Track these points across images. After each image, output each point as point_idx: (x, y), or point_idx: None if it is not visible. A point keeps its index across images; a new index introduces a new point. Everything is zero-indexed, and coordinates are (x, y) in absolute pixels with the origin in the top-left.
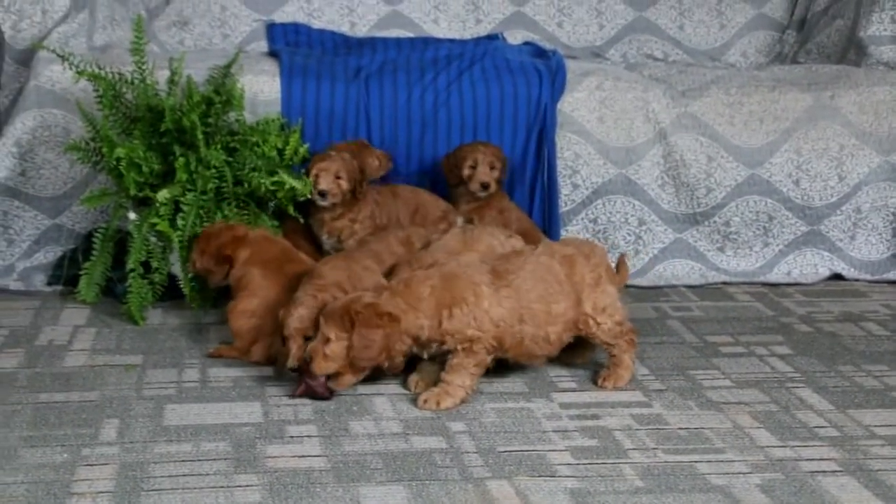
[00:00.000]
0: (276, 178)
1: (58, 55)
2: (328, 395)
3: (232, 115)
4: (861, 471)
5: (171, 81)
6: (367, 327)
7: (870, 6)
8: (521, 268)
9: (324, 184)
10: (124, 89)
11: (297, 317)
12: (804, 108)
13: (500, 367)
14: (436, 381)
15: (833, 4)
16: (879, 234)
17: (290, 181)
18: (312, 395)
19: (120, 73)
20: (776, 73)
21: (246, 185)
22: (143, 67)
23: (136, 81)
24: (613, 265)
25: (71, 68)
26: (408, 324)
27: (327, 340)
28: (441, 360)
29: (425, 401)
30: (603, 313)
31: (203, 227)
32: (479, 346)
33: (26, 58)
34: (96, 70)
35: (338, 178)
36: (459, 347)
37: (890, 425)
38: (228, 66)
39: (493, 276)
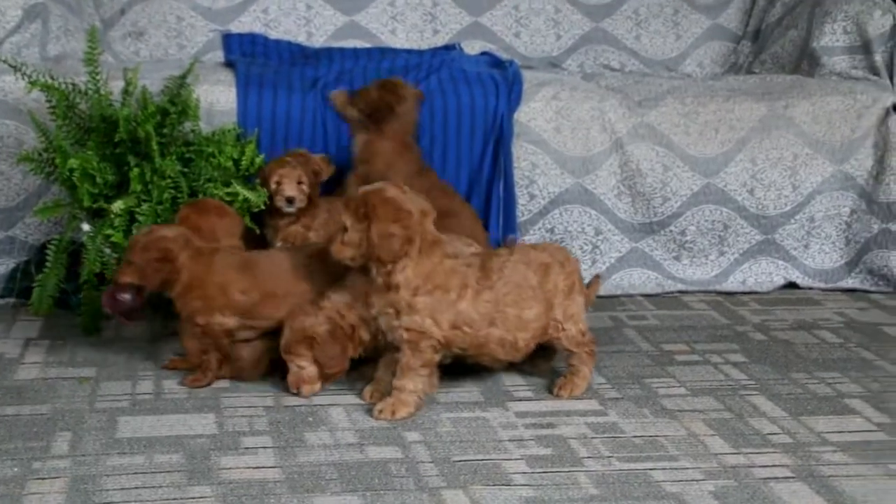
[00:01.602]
0: (230, 189)
1: (10, 65)
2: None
3: (187, 126)
4: (813, 477)
5: (126, 92)
6: (386, 221)
7: (822, 18)
8: (502, 269)
9: (290, 190)
10: (78, 100)
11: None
12: (758, 118)
13: (456, 375)
14: (390, 391)
15: (787, 16)
16: (833, 243)
17: (245, 192)
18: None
19: (73, 84)
20: (731, 83)
21: (200, 196)
22: (97, 78)
23: (90, 92)
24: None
25: (24, 79)
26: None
27: (345, 229)
28: (394, 367)
29: (380, 411)
30: (570, 320)
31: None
32: (426, 344)
33: None
34: (49, 80)
35: (300, 183)
36: (406, 338)
37: (842, 431)
38: (184, 76)
39: (482, 275)
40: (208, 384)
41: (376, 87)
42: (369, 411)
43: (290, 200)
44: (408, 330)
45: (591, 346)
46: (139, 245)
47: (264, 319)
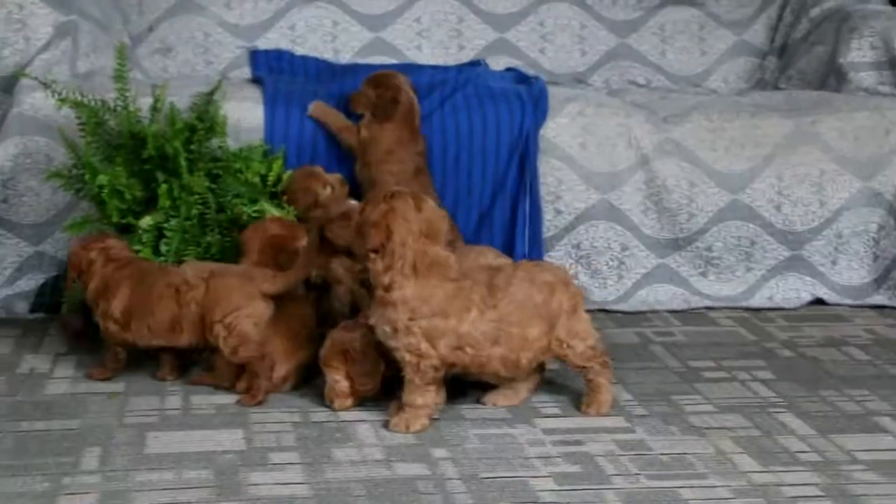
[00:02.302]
0: (257, 207)
1: (40, 83)
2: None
3: (215, 142)
4: (843, 496)
5: (154, 108)
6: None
7: (849, 33)
8: (507, 287)
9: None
10: (107, 116)
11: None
12: (785, 134)
13: (483, 391)
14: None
15: (813, 31)
16: (861, 259)
17: (272, 209)
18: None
19: (103, 101)
20: (757, 98)
21: (228, 212)
22: (126, 94)
23: (119, 108)
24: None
25: (53, 96)
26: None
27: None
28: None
29: (395, 425)
30: (576, 338)
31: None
32: (427, 364)
33: (9, 85)
34: (79, 97)
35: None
36: (406, 359)
37: (871, 450)
38: (212, 92)
39: (488, 292)
40: (259, 403)
41: (370, 86)
42: (386, 424)
43: None
44: (407, 351)
45: (603, 357)
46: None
47: None
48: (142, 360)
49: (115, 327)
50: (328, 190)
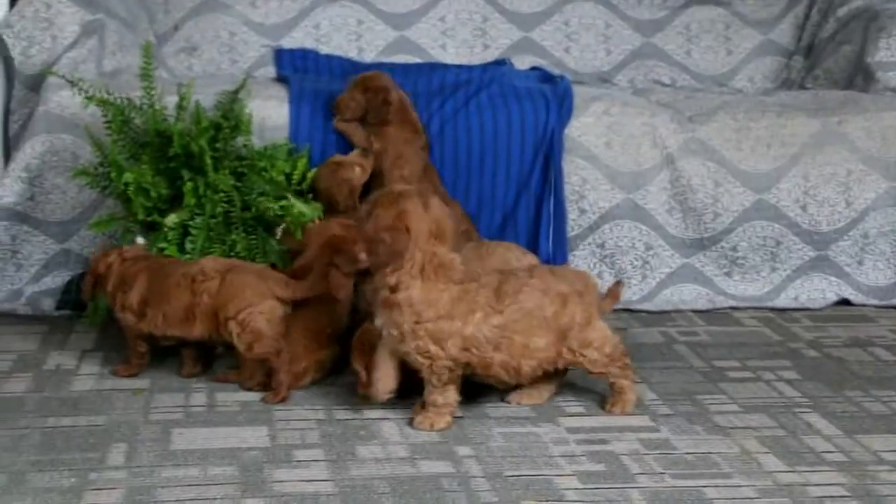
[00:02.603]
0: (283, 203)
1: (67, 81)
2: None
3: (240, 140)
4: (869, 496)
5: (180, 107)
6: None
7: (877, 32)
8: (517, 294)
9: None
10: (133, 114)
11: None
12: (811, 134)
13: (507, 390)
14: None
15: (840, 31)
16: (887, 260)
17: (299, 205)
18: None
19: (129, 99)
20: (783, 98)
21: (253, 210)
22: (152, 93)
23: (145, 107)
24: (605, 290)
25: (80, 94)
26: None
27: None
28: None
29: (419, 423)
30: (588, 347)
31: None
32: (440, 365)
33: (36, 83)
34: (105, 96)
35: None
36: (419, 360)
37: None
38: (237, 91)
39: (496, 297)
40: (283, 400)
41: (357, 90)
42: (411, 421)
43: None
44: (418, 354)
45: (622, 360)
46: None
47: None
48: (166, 358)
49: (131, 317)
50: (358, 171)
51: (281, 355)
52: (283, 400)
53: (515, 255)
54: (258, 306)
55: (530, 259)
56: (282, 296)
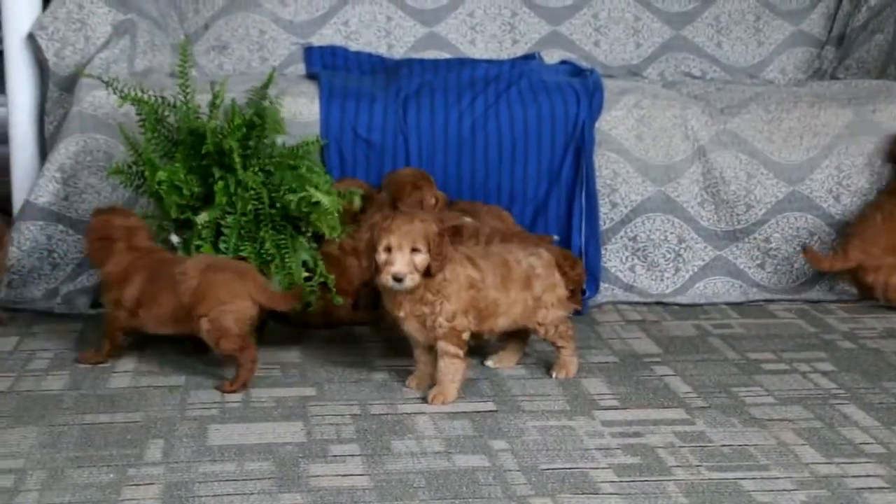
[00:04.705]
0: (304, 194)
1: (101, 81)
2: None
3: (278, 140)
4: None
5: (213, 105)
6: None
7: None
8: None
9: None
10: (166, 113)
11: None
12: (844, 124)
13: (543, 383)
14: (430, 376)
15: (872, 20)
16: None
17: (317, 195)
18: None
19: (162, 97)
20: (815, 88)
21: (279, 206)
22: (188, 91)
23: (179, 105)
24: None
25: (115, 93)
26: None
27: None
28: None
29: (433, 397)
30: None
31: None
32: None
33: (70, 84)
34: (139, 94)
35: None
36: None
37: None
38: (265, 85)
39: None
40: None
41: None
42: (451, 415)
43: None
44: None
45: (566, 327)
46: None
47: None
48: (200, 356)
49: (123, 314)
50: (433, 200)
51: (245, 352)
52: (235, 392)
53: (514, 257)
54: (229, 305)
55: (532, 261)
56: (256, 298)
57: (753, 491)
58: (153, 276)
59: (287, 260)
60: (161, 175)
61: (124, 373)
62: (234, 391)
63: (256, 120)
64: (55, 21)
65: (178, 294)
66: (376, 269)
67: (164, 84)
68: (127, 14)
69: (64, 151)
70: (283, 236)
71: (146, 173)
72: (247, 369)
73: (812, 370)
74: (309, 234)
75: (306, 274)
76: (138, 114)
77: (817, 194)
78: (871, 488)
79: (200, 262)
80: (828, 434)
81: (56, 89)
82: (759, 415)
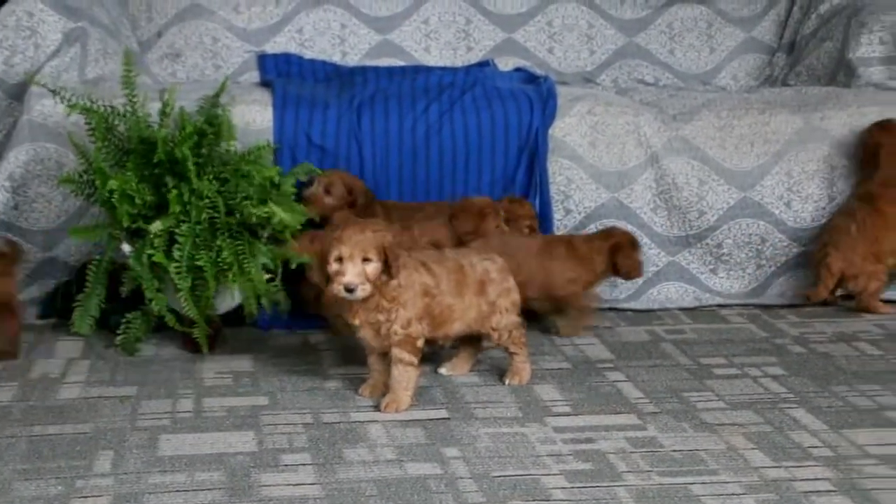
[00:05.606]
0: (266, 209)
1: (49, 90)
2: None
3: (224, 146)
4: (855, 490)
5: (164, 113)
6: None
7: (858, 28)
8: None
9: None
10: (116, 122)
11: None
12: (795, 130)
13: (495, 392)
14: (383, 384)
15: (822, 27)
16: None
17: (280, 213)
18: None
19: (112, 106)
20: (766, 95)
21: (238, 215)
22: (135, 100)
23: (128, 114)
24: None
25: (63, 102)
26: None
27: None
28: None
29: (386, 405)
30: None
31: None
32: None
33: (19, 92)
34: (88, 103)
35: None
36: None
37: (884, 444)
38: (217, 94)
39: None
40: None
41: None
42: (404, 423)
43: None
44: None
45: (520, 332)
46: None
47: None
48: (152, 365)
49: None
50: (493, 225)
51: None
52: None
53: (469, 262)
54: None
55: (487, 265)
56: None
57: (703, 495)
58: None
59: (246, 266)
60: (112, 184)
61: (74, 383)
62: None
63: (207, 128)
64: (4, 29)
65: None
66: (327, 279)
67: (116, 92)
68: (78, 22)
69: (14, 160)
70: (240, 243)
71: (97, 182)
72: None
73: (763, 375)
74: (266, 236)
75: (268, 276)
76: (87, 123)
77: (768, 200)
78: (818, 491)
79: None
80: (777, 438)
81: (5, 98)
82: (710, 420)
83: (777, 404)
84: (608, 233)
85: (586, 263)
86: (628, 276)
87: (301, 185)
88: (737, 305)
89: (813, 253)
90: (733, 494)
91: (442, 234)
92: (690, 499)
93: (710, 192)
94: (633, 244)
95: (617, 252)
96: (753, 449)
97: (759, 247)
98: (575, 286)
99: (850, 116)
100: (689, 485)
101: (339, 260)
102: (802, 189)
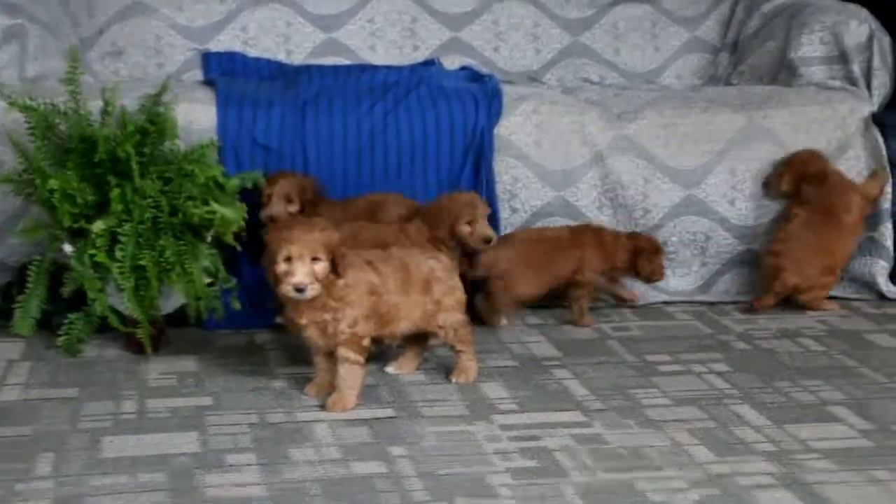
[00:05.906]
0: (209, 208)
1: None
2: None
3: (167, 145)
4: (797, 484)
5: (105, 112)
6: None
7: (800, 29)
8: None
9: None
10: (57, 120)
11: None
12: (737, 129)
13: (442, 389)
14: (329, 383)
15: (764, 27)
16: None
17: (222, 210)
18: None
19: (52, 104)
20: (710, 94)
21: (181, 215)
22: (77, 98)
23: (70, 112)
24: None
25: (2, 100)
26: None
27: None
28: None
29: (332, 405)
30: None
31: None
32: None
33: None
34: (28, 101)
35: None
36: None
37: (825, 439)
38: (159, 94)
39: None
40: None
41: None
42: (349, 422)
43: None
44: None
45: (465, 331)
46: None
47: None
48: (94, 366)
49: None
50: (467, 228)
51: None
52: None
53: (414, 261)
54: None
55: (432, 264)
56: None
57: (648, 491)
58: None
59: (188, 267)
60: (53, 183)
61: (14, 385)
62: None
63: (150, 127)
64: None
65: None
66: (276, 279)
67: (56, 90)
68: (16, 19)
69: None
70: (183, 243)
71: (37, 181)
72: None
73: (707, 371)
74: (209, 240)
75: (208, 280)
76: (27, 121)
77: (712, 199)
78: (761, 486)
79: None
80: (721, 434)
81: None
82: (655, 416)
83: (721, 400)
84: (635, 234)
85: (609, 255)
86: (649, 280)
87: (246, 192)
88: (682, 303)
89: (763, 259)
90: (678, 490)
91: (387, 231)
92: (635, 494)
93: (654, 191)
94: (656, 250)
95: (639, 255)
96: (698, 445)
97: (704, 244)
98: (593, 274)
99: (791, 115)
100: (634, 480)
101: (289, 260)
102: (746, 187)
